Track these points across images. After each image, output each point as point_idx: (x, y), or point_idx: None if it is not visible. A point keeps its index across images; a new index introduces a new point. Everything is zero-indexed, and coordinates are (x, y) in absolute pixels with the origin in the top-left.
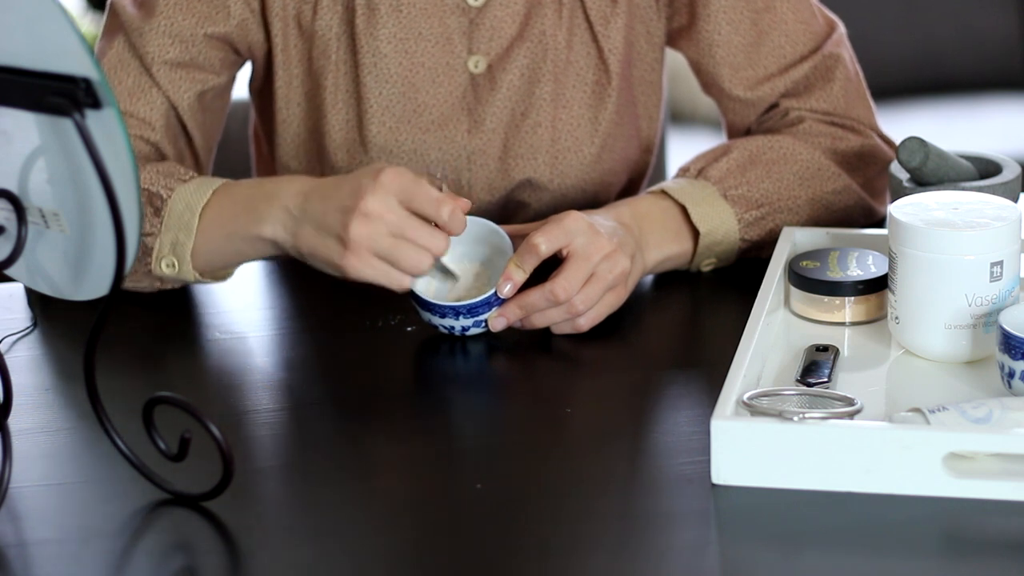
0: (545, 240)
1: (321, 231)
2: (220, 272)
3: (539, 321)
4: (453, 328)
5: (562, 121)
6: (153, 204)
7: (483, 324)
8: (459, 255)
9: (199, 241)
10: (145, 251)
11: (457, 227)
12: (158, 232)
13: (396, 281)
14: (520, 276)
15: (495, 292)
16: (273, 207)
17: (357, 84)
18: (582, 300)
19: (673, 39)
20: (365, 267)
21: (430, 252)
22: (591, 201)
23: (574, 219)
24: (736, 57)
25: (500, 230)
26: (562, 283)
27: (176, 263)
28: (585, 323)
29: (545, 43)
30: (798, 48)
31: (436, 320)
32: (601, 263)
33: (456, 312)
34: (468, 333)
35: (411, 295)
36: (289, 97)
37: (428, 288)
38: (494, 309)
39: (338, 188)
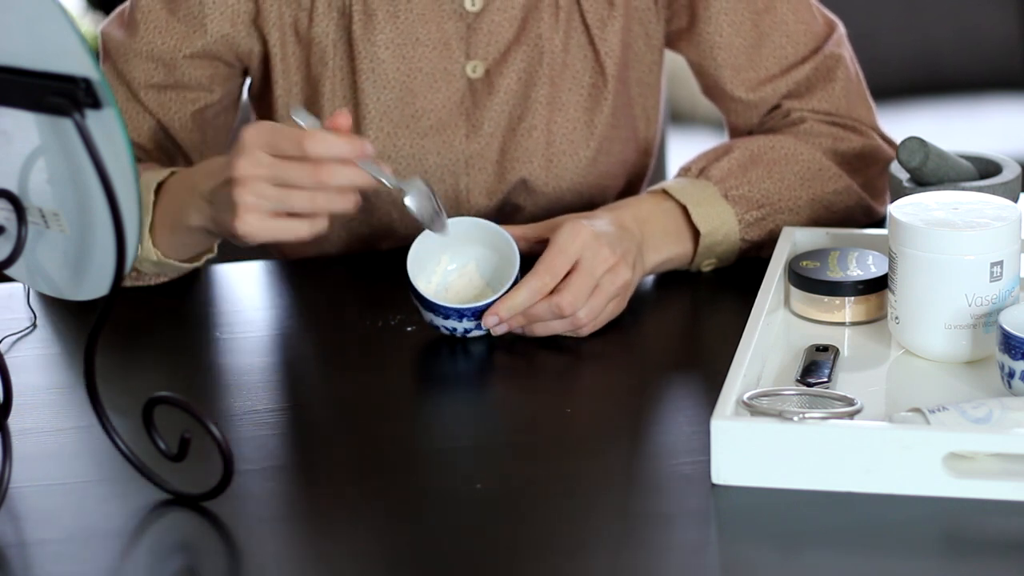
0: (552, 274)
1: (220, 209)
2: (182, 258)
3: (541, 331)
4: (455, 329)
5: (557, 124)
6: None
7: (484, 327)
8: (461, 255)
9: (156, 221)
10: None
11: (331, 149)
12: None
13: (296, 231)
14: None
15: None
16: (193, 196)
17: (355, 90)
18: (586, 313)
19: (673, 41)
20: (260, 229)
21: (320, 187)
22: (587, 204)
23: (576, 234)
24: (738, 59)
25: (503, 231)
26: (568, 297)
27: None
28: (586, 331)
29: (541, 47)
30: (799, 49)
31: (438, 320)
32: (605, 276)
33: (460, 314)
34: (468, 335)
35: (414, 294)
36: (289, 104)
37: (428, 288)
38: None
39: (220, 163)
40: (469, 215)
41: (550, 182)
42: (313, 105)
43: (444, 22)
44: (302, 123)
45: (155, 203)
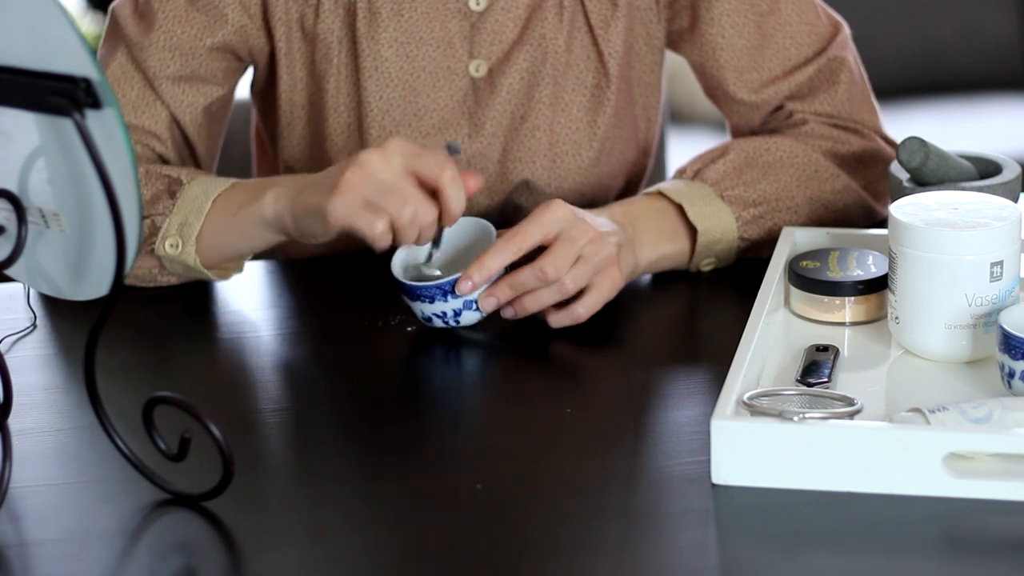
0: (523, 238)
1: (319, 186)
2: (220, 264)
3: (530, 304)
4: (445, 314)
5: (560, 124)
6: (171, 188)
7: (474, 306)
8: (451, 253)
9: (207, 225)
10: (152, 230)
11: (454, 197)
12: (169, 213)
13: (376, 230)
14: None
15: None
16: (279, 185)
17: (358, 88)
18: (572, 279)
19: (675, 42)
20: (348, 209)
21: (416, 209)
22: (588, 205)
23: (555, 210)
24: (740, 60)
25: (493, 230)
26: (551, 261)
27: (180, 243)
28: (583, 311)
29: (545, 46)
30: (803, 50)
31: (428, 310)
32: (587, 246)
33: (444, 292)
34: (461, 321)
35: (400, 289)
36: (293, 100)
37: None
38: (483, 289)
39: (329, 170)
40: (469, 215)
41: (552, 182)
42: (317, 102)
43: (448, 21)
44: (450, 152)
45: (209, 210)
